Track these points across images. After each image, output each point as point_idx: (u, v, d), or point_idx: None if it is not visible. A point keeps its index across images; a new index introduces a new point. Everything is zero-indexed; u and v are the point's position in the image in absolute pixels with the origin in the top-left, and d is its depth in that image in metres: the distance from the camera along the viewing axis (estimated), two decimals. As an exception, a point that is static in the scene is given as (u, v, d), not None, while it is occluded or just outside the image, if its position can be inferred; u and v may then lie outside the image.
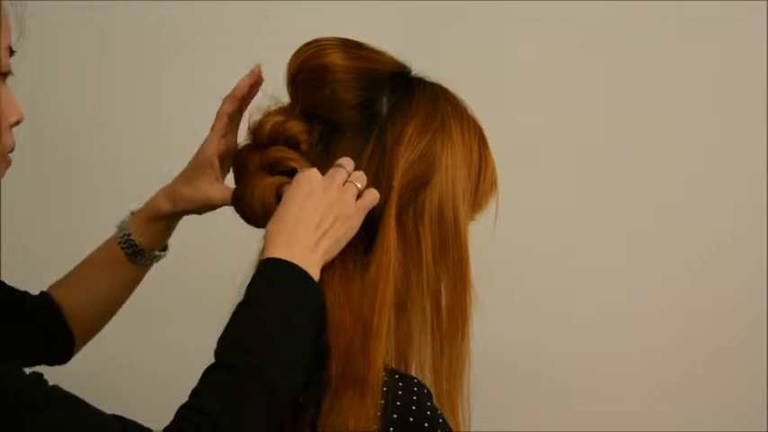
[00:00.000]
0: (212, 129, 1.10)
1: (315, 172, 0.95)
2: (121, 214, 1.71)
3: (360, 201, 0.95)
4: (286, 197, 0.94)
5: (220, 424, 0.81)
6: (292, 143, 0.99)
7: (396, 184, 0.95)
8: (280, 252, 0.91)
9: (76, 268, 1.19)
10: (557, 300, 1.67)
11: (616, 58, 1.64)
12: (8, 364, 0.80)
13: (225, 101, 1.09)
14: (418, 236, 0.96)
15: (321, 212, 0.93)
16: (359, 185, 0.95)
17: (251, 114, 1.04)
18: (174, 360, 1.66)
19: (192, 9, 1.67)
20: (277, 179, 0.98)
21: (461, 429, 0.98)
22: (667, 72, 1.65)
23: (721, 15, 1.61)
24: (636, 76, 1.65)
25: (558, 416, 1.68)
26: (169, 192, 1.13)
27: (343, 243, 0.95)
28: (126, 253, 1.15)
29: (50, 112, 1.64)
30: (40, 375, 0.81)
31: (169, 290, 1.55)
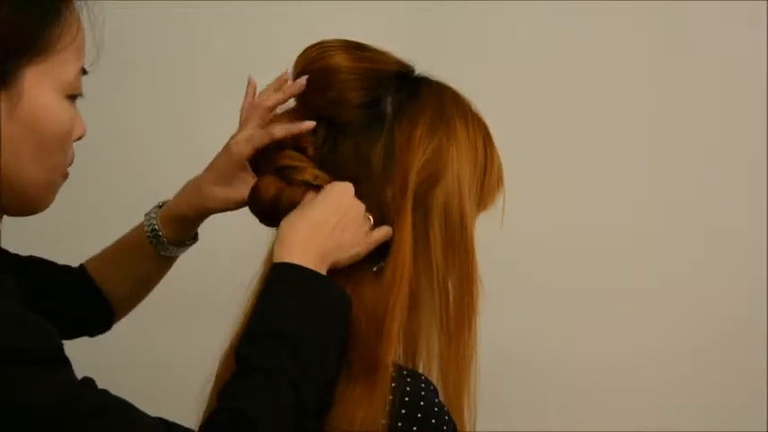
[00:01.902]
0: (241, 125, 1.07)
1: (350, 186, 0.96)
2: (122, 219, 1.71)
3: (375, 231, 0.97)
4: (315, 200, 0.96)
5: (261, 427, 0.83)
6: (299, 147, 0.99)
7: (411, 186, 0.96)
8: (296, 255, 0.92)
9: (109, 248, 1.20)
10: (561, 299, 1.67)
11: (619, 58, 1.65)
12: (62, 371, 0.81)
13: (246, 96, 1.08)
14: (426, 234, 0.97)
15: (341, 226, 0.95)
16: (371, 221, 0.97)
17: None
18: (179, 359, 1.66)
19: (197, 12, 1.67)
20: (302, 188, 0.98)
21: (467, 425, 0.98)
22: (670, 72, 1.65)
23: (722, 15, 1.61)
24: (638, 76, 1.65)
25: (562, 416, 1.68)
26: (200, 192, 1.11)
27: (341, 265, 0.96)
28: (153, 245, 1.14)
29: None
30: (92, 381, 0.83)
31: (176, 289, 1.55)
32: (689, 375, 1.67)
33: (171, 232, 1.14)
